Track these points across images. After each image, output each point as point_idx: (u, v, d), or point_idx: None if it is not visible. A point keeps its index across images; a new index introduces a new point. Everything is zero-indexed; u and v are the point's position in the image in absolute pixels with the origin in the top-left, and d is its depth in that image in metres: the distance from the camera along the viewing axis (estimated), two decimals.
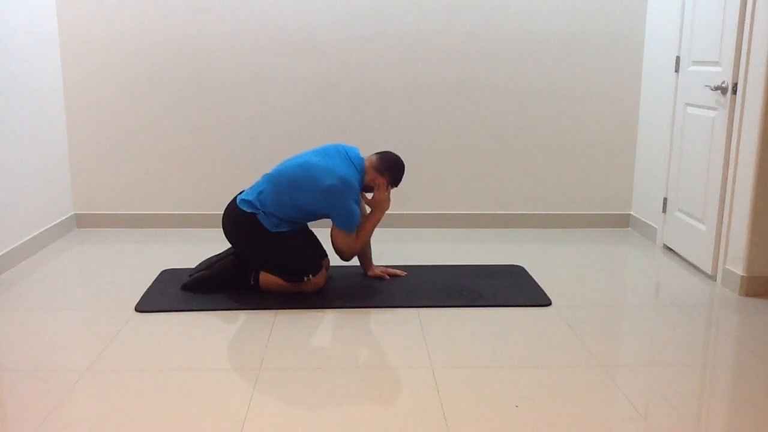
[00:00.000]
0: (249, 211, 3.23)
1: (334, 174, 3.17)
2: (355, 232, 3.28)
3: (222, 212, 3.40)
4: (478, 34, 4.37)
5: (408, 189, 4.53)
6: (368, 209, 3.45)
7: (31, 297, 3.30)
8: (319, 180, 3.17)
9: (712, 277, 3.60)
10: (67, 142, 4.40)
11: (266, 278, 3.27)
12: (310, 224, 3.56)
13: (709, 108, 3.63)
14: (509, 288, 3.43)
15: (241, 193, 3.36)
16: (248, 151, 4.44)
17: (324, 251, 3.54)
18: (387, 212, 4.45)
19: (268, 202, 3.22)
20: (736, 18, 3.36)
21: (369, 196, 3.41)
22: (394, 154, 3.42)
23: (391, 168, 3.36)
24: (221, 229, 3.40)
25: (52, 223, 4.19)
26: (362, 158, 3.36)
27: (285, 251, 3.25)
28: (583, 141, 4.55)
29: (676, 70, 3.98)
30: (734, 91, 3.40)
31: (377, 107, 4.43)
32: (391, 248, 4.07)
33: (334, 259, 3.62)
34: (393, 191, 4.49)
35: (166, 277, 3.53)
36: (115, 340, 2.81)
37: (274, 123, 4.43)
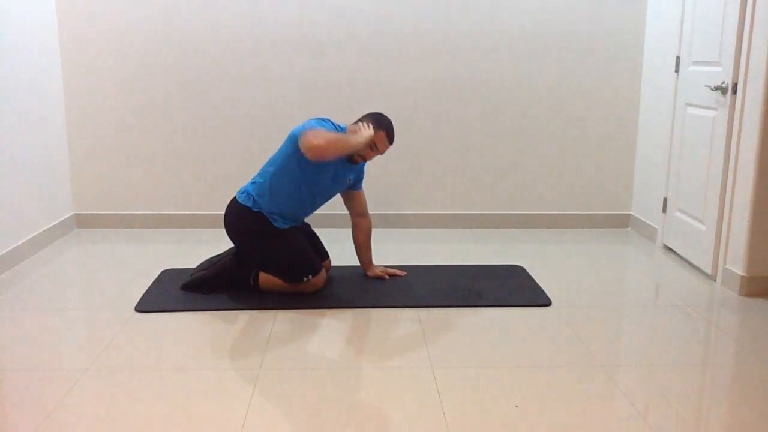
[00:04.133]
0: (246, 204, 3.24)
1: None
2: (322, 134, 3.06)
3: (223, 212, 3.40)
4: (478, 34, 4.37)
5: (408, 189, 4.53)
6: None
7: (31, 297, 3.30)
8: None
9: (712, 277, 3.60)
10: (67, 142, 4.40)
11: (266, 278, 3.27)
12: (311, 225, 3.56)
13: (709, 108, 3.63)
14: (509, 288, 3.43)
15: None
16: (248, 151, 4.44)
17: (326, 252, 3.55)
18: (389, 212, 4.48)
19: (259, 184, 3.25)
20: (736, 18, 3.36)
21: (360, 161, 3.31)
22: None
23: (369, 115, 3.30)
24: (221, 229, 3.40)
25: (52, 223, 4.19)
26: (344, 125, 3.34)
27: (284, 252, 3.25)
28: (583, 141, 4.55)
29: (676, 70, 3.98)
30: (734, 91, 3.40)
31: (377, 107, 4.41)
32: (391, 248, 4.07)
33: (335, 259, 3.62)
34: (392, 189, 4.52)
35: (166, 277, 3.53)
36: (115, 340, 2.81)
37: (275, 122, 4.43)
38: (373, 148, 3.26)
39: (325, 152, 3.03)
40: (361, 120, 3.31)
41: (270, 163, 3.29)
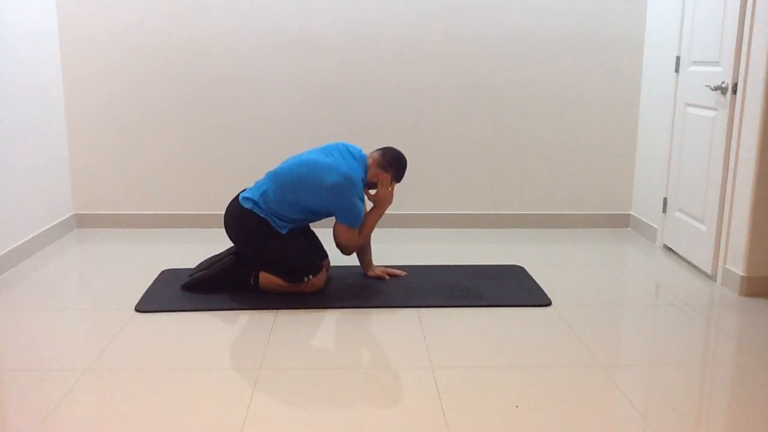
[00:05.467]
0: (250, 208, 3.23)
1: (337, 171, 3.17)
2: (358, 229, 3.28)
3: (223, 212, 3.40)
4: (478, 34, 4.37)
5: (408, 189, 4.53)
6: (370, 205, 3.45)
7: (31, 297, 3.30)
8: (323, 177, 3.17)
9: (712, 277, 3.60)
10: (67, 142, 4.40)
11: (266, 278, 3.27)
12: (312, 225, 3.56)
13: (709, 108, 3.63)
14: (509, 288, 3.43)
15: (243, 191, 3.36)
16: (248, 151, 4.44)
17: (324, 252, 3.54)
18: (389, 212, 4.46)
19: (272, 201, 3.22)
20: (736, 18, 3.36)
21: (372, 192, 3.38)
22: (396, 149, 3.43)
23: (394, 163, 3.37)
24: (221, 229, 3.40)
25: (52, 223, 4.19)
26: (365, 155, 3.37)
27: (285, 251, 3.25)
28: (583, 141, 4.55)
29: (676, 70, 3.98)
30: (734, 91, 3.40)
31: (377, 107, 4.43)
32: (391, 248, 4.07)
33: (335, 259, 3.62)
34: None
35: (166, 277, 3.53)
36: (115, 340, 2.81)
37: (275, 123, 4.43)
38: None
39: (354, 251, 3.39)
40: (380, 161, 3.34)
41: (289, 186, 3.21)
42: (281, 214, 3.23)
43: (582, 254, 4.09)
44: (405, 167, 3.42)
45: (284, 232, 3.24)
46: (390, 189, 3.36)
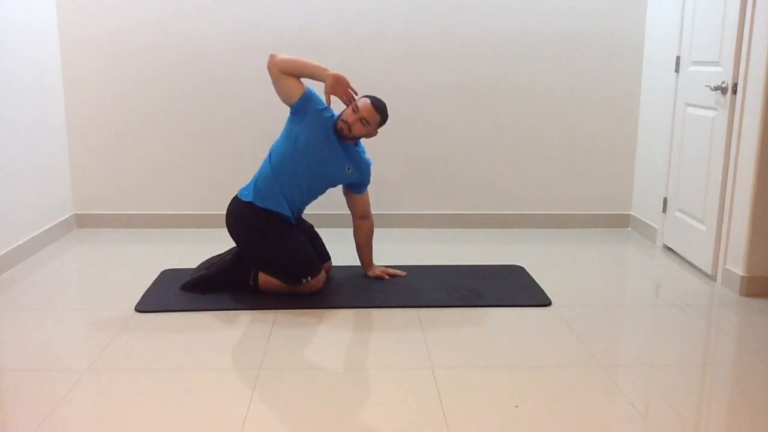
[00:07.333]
0: (249, 201, 3.25)
1: None
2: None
3: (223, 212, 3.40)
4: (478, 35, 4.37)
5: (409, 189, 4.53)
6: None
7: (31, 297, 3.30)
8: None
9: (712, 277, 3.60)
10: (67, 142, 4.40)
11: (265, 279, 3.26)
12: (314, 226, 3.56)
13: (709, 108, 3.63)
14: (509, 288, 3.43)
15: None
16: (249, 151, 4.43)
17: (326, 254, 3.54)
18: (388, 212, 4.48)
19: (264, 177, 3.27)
20: (736, 18, 3.36)
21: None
22: None
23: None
24: (221, 229, 3.40)
25: (52, 223, 4.19)
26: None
27: (285, 252, 3.24)
28: (583, 141, 4.55)
29: (676, 70, 3.98)
30: (734, 91, 3.40)
31: None
32: (391, 248, 4.07)
33: (336, 259, 3.62)
34: (392, 189, 4.52)
35: (166, 277, 3.53)
36: (115, 340, 2.81)
37: (275, 123, 4.42)
38: (356, 110, 3.25)
39: (279, 59, 3.23)
40: None
41: (272, 150, 3.36)
42: (276, 183, 3.23)
43: (582, 254, 4.09)
44: (378, 98, 3.33)
45: (282, 212, 3.23)
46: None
